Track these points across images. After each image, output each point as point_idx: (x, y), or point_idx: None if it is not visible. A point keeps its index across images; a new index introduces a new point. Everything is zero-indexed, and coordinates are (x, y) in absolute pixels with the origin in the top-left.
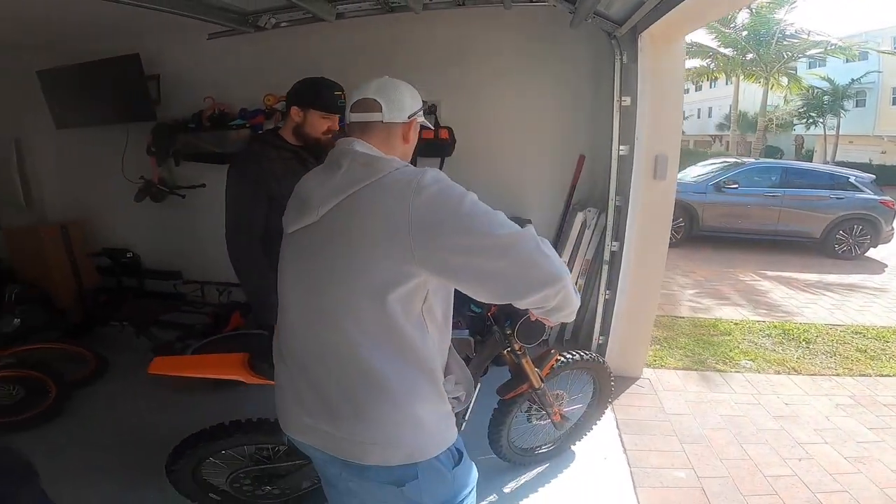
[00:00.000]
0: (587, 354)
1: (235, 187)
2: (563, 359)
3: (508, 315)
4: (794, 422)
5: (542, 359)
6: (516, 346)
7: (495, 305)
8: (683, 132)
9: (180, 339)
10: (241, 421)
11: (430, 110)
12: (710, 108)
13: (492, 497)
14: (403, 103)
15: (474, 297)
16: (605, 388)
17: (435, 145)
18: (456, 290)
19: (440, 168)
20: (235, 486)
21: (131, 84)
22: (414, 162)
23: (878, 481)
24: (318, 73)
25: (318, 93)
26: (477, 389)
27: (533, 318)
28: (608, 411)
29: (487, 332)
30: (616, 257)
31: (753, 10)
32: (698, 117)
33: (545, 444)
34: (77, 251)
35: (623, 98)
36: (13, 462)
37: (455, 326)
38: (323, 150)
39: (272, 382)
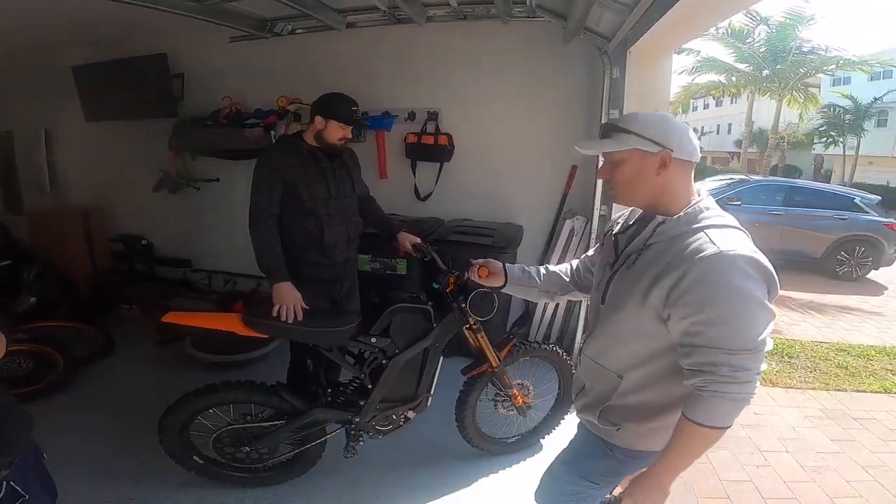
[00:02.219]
0: (546, 345)
1: (259, 175)
2: (520, 344)
3: (463, 290)
4: (759, 431)
5: (501, 343)
6: (471, 321)
7: (453, 282)
8: (701, 148)
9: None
10: (230, 381)
11: (431, 117)
12: (730, 125)
13: (461, 485)
14: None
15: None
16: (569, 381)
17: (435, 151)
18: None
19: (438, 172)
20: (218, 447)
21: (158, 81)
22: (413, 167)
23: (828, 491)
24: (328, 78)
25: (337, 106)
26: (440, 362)
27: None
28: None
29: (447, 307)
30: None
31: (773, 28)
32: (717, 133)
33: (513, 435)
34: (95, 235)
35: (611, 111)
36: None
37: (417, 300)
38: (337, 152)
39: (263, 335)
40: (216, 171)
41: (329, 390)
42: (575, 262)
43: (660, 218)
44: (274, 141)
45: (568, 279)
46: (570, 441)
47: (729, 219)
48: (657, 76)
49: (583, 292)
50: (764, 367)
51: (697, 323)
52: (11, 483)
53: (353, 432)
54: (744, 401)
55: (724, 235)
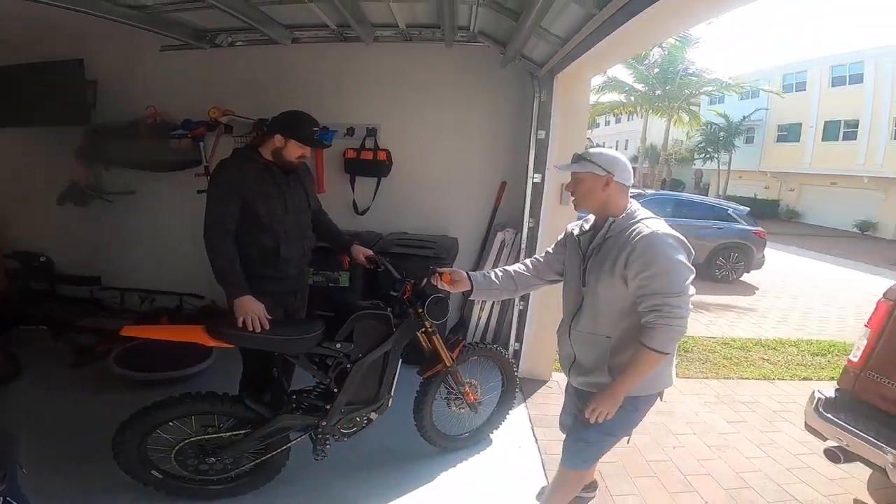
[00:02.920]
0: (490, 345)
1: (215, 188)
2: (469, 345)
3: (419, 296)
4: (670, 417)
5: (451, 345)
6: (427, 325)
7: (409, 290)
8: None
9: (101, 344)
10: (190, 392)
11: (370, 133)
12: (627, 141)
13: (424, 480)
14: None
15: None
16: (511, 378)
17: (374, 166)
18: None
19: (376, 187)
20: (180, 460)
21: (72, 88)
22: (352, 182)
23: (732, 466)
24: (266, 91)
25: (300, 127)
26: (399, 365)
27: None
28: (522, 408)
29: (404, 313)
30: None
31: (666, 49)
32: (617, 149)
33: (466, 431)
34: None
35: (539, 131)
36: None
37: (377, 307)
38: (293, 168)
39: (230, 345)
40: (132, 183)
41: (293, 396)
42: (532, 260)
43: (611, 219)
44: (198, 155)
45: (530, 274)
46: (575, 411)
47: (652, 215)
48: (578, 99)
49: (545, 283)
50: (691, 308)
51: (645, 278)
52: (8, 498)
53: (319, 436)
54: (679, 331)
55: (653, 223)
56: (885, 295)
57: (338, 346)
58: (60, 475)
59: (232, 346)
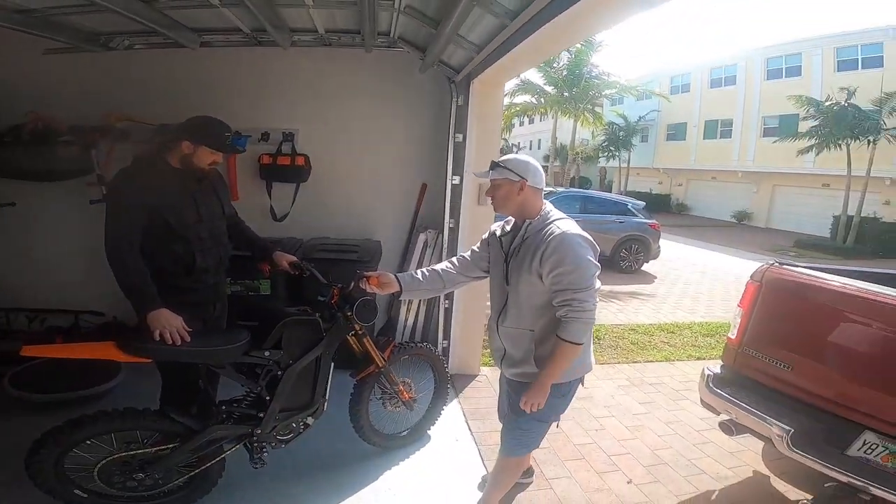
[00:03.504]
0: (419, 343)
1: (116, 199)
2: (399, 345)
3: (347, 300)
4: (590, 401)
5: (382, 345)
6: (357, 327)
7: (337, 294)
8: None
9: None
10: (106, 410)
11: (286, 138)
12: (540, 140)
13: (365, 478)
14: None
15: None
16: (442, 374)
17: (292, 172)
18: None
19: (295, 193)
20: (104, 478)
21: None
22: (269, 188)
23: (648, 444)
24: (170, 95)
25: (210, 132)
26: (331, 369)
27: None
28: (455, 403)
29: (332, 317)
30: None
31: (573, 53)
32: (530, 149)
33: (404, 429)
34: None
35: (457, 135)
36: None
37: (305, 313)
38: (204, 175)
39: (146, 359)
40: (12, 193)
41: (223, 407)
42: (458, 258)
43: (528, 221)
44: (93, 164)
45: (456, 272)
46: (509, 401)
47: (564, 216)
48: (493, 103)
49: (471, 279)
50: (597, 299)
51: (557, 274)
52: None
53: (255, 445)
54: (589, 322)
55: (563, 224)
56: (752, 277)
57: (266, 353)
58: None
59: (149, 360)
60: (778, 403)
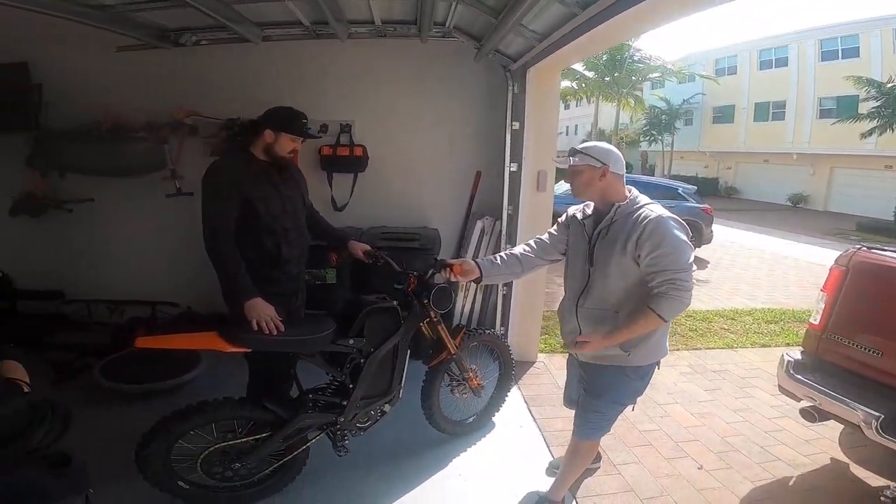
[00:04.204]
0: (487, 330)
1: (212, 192)
2: (469, 331)
3: (424, 288)
4: (653, 388)
5: (454, 331)
6: (432, 314)
7: (414, 282)
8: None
9: (79, 358)
10: (207, 400)
11: (344, 129)
12: (577, 126)
13: (435, 465)
14: None
15: None
16: (508, 361)
17: (351, 162)
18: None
19: (353, 182)
20: (206, 468)
21: (16, 93)
22: (329, 179)
23: (718, 431)
24: (237, 91)
25: (290, 120)
26: (407, 356)
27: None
28: (515, 390)
29: (409, 305)
30: None
31: None
32: (566, 134)
33: (470, 416)
34: None
35: (514, 123)
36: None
37: (385, 301)
38: (286, 166)
39: (247, 350)
40: (90, 189)
41: (310, 395)
42: (536, 241)
43: (617, 205)
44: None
45: (534, 255)
46: (584, 385)
47: (652, 200)
48: (549, 91)
49: (548, 262)
50: (694, 282)
51: (656, 256)
52: None
53: (337, 433)
54: (685, 303)
55: (656, 208)
56: (836, 261)
57: (351, 342)
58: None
59: (249, 350)
60: (865, 389)
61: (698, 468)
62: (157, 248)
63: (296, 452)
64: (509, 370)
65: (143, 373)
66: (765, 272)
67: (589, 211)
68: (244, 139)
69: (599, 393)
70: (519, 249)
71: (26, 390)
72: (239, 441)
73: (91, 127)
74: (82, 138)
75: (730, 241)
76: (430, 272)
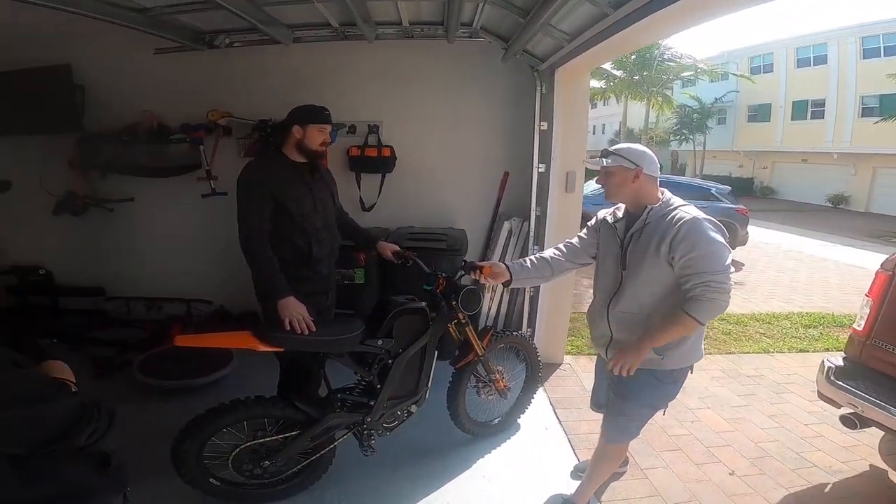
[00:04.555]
0: (515, 331)
1: (247, 191)
2: (497, 333)
3: (453, 289)
4: (683, 393)
5: (481, 333)
6: (460, 316)
7: (443, 283)
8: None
9: (119, 354)
10: (240, 398)
11: (372, 130)
12: (604, 125)
13: (460, 466)
14: None
15: None
16: (535, 363)
17: (378, 162)
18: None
19: (381, 183)
20: (237, 466)
21: (60, 95)
22: (358, 179)
23: (751, 437)
24: (266, 91)
25: (313, 112)
26: (435, 357)
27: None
28: (541, 392)
29: (437, 306)
30: None
31: None
32: (593, 134)
33: (496, 417)
34: None
35: (542, 123)
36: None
37: (414, 302)
38: (318, 165)
39: (280, 349)
40: (130, 189)
41: (338, 395)
42: (566, 244)
43: (649, 207)
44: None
45: (564, 259)
46: (613, 389)
47: (686, 202)
48: (578, 91)
49: (578, 266)
50: (732, 284)
51: (691, 258)
52: None
53: (364, 433)
54: (723, 306)
55: (690, 210)
56: (882, 266)
57: (380, 342)
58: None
59: (282, 349)
60: None
61: (730, 474)
62: (192, 247)
63: (323, 451)
64: (536, 372)
65: (179, 369)
66: (803, 275)
67: (620, 213)
68: (276, 140)
69: (630, 396)
70: (549, 253)
71: (74, 390)
72: (269, 439)
73: (132, 128)
74: (122, 140)
75: (766, 242)
76: (459, 273)
